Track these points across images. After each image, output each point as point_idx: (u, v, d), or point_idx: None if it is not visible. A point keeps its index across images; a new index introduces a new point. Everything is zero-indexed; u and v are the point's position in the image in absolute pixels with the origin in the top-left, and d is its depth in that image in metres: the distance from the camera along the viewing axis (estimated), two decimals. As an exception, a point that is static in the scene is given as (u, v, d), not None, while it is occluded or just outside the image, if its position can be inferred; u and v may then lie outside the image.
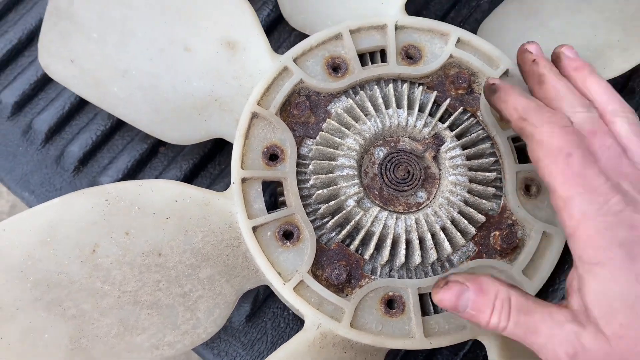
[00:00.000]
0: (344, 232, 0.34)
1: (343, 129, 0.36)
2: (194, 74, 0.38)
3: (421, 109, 0.37)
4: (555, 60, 0.35)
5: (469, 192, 0.35)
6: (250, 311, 0.39)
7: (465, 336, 0.33)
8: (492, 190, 0.35)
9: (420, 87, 0.37)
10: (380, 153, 0.36)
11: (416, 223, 0.34)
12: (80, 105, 0.43)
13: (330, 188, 0.34)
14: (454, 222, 0.34)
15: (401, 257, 0.34)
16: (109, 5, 0.38)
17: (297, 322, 0.39)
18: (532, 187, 0.36)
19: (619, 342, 0.26)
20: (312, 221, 0.35)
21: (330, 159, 0.35)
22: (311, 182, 0.35)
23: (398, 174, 0.35)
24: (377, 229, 0.34)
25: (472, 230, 0.34)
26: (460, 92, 0.38)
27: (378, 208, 0.35)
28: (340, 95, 0.37)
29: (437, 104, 0.38)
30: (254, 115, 0.36)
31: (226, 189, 0.35)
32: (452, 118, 0.36)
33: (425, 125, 0.36)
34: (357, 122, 0.36)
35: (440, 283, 0.30)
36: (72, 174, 0.42)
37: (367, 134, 0.36)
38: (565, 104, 0.31)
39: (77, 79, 0.38)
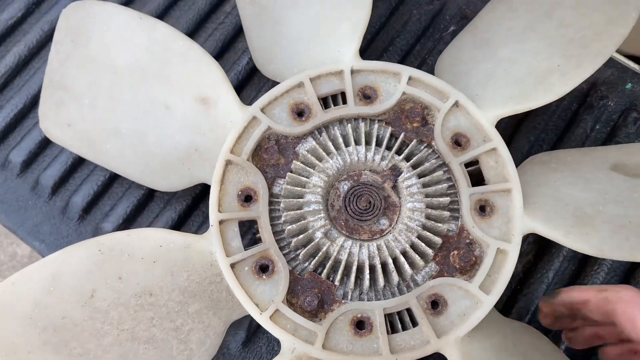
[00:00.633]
0: (314, 261, 0.38)
1: (308, 168, 0.39)
2: (175, 129, 0.42)
3: (380, 144, 0.41)
4: None
5: (427, 217, 0.38)
6: (246, 337, 0.43)
7: (429, 350, 0.36)
8: (447, 214, 0.38)
9: (378, 124, 0.41)
10: (344, 187, 0.40)
11: (378, 249, 0.38)
12: (81, 159, 0.48)
13: (300, 223, 0.38)
14: (413, 246, 0.38)
15: (366, 281, 0.37)
16: (98, 74, 0.43)
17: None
18: (486, 208, 0.39)
19: None
20: (286, 254, 0.38)
21: (299, 196, 0.39)
22: (282, 218, 0.39)
23: (360, 205, 0.39)
24: (344, 257, 0.37)
25: (430, 252, 0.38)
26: (415, 124, 0.41)
27: (344, 237, 0.38)
28: (307, 137, 0.41)
29: (395, 137, 0.41)
30: (228, 163, 0.40)
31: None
32: (407, 150, 0.40)
33: (383, 158, 0.40)
34: (320, 161, 0.40)
35: None
36: (77, 222, 0.46)
37: (330, 171, 0.39)
38: None
39: (74, 140, 0.43)
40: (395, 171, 0.39)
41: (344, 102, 0.42)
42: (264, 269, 0.38)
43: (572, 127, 0.47)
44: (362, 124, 0.41)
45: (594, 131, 0.47)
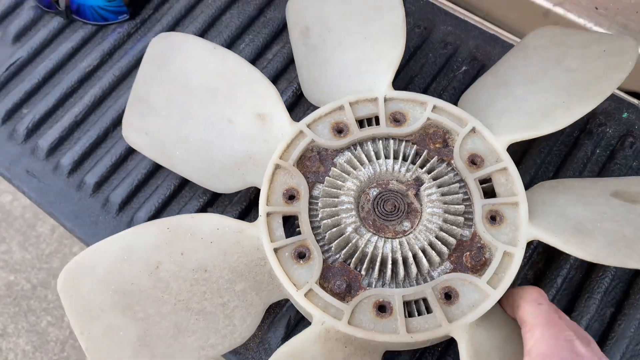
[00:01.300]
0: (344, 252, 0.44)
1: (344, 174, 0.47)
2: (235, 140, 0.50)
3: (406, 159, 0.48)
4: None
5: (444, 221, 0.45)
6: (285, 334, 0.48)
7: (441, 332, 0.41)
8: (461, 219, 0.45)
9: (405, 143, 0.48)
10: (374, 192, 0.46)
11: (400, 245, 0.44)
12: (145, 180, 0.55)
13: (334, 218, 0.45)
14: (431, 244, 0.44)
15: (389, 272, 0.43)
16: (175, 92, 0.52)
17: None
18: (496, 217, 0.45)
19: None
20: (321, 245, 0.45)
21: (334, 196, 0.46)
22: (319, 215, 0.46)
23: (387, 208, 0.45)
24: (370, 250, 0.44)
25: (445, 251, 0.44)
26: (437, 145, 0.48)
27: (370, 234, 0.45)
28: (344, 150, 0.49)
29: (419, 154, 0.48)
30: (277, 166, 0.47)
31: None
32: (429, 164, 0.47)
33: (408, 170, 0.47)
34: (355, 169, 0.47)
35: None
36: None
37: (362, 178, 0.46)
38: None
39: (149, 146, 0.52)
40: (418, 181, 0.46)
41: (377, 123, 0.49)
42: (301, 255, 0.44)
43: (574, 151, 0.53)
44: (391, 142, 0.48)
45: (595, 154, 0.53)
